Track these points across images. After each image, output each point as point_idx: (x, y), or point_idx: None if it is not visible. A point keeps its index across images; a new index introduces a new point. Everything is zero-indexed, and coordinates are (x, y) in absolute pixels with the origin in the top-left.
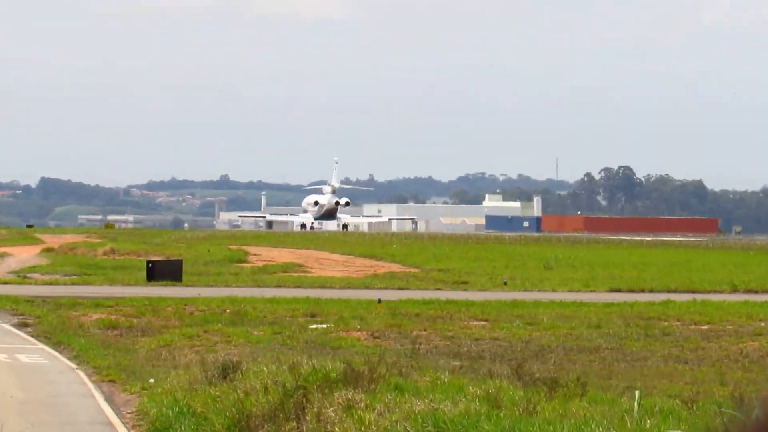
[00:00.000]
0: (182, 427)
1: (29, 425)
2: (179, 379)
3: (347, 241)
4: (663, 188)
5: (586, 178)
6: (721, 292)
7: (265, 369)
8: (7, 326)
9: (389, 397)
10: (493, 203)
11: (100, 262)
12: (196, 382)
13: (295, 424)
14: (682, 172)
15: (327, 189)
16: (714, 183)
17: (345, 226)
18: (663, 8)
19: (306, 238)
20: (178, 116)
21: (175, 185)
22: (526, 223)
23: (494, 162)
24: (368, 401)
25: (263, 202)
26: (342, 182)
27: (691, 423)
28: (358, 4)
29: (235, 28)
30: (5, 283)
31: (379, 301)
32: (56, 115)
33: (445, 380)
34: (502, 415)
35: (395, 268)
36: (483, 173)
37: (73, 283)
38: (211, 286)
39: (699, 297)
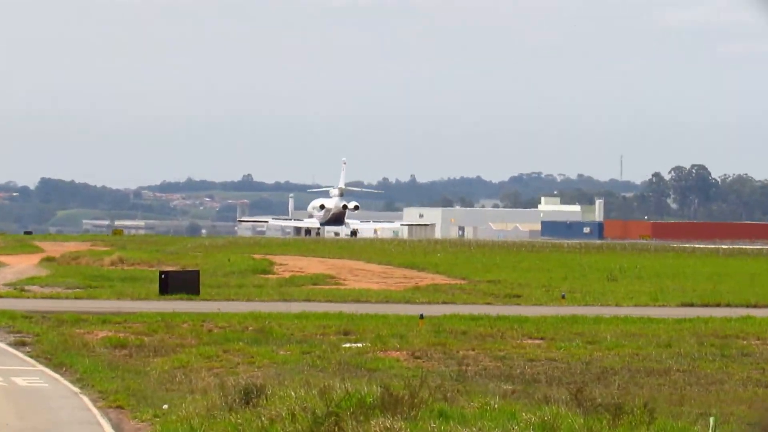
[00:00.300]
0: None
1: None
2: (196, 405)
3: (385, 249)
4: (741, 189)
5: (654, 179)
6: None
7: (293, 393)
8: (3, 345)
9: (432, 425)
10: (549, 207)
11: (107, 273)
12: (215, 409)
13: None
14: (763, 171)
15: (334, 192)
16: None
17: (354, 233)
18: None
19: (339, 245)
20: (194, 109)
21: (192, 186)
22: (586, 229)
23: (551, 160)
24: (409, 430)
25: (291, 205)
26: (347, 184)
27: None
28: None
29: (265, 17)
30: (0, 297)
31: (421, 316)
32: None
33: (496, 406)
34: None
35: (439, 279)
36: (538, 173)
37: (76, 297)
38: (232, 300)
39: None
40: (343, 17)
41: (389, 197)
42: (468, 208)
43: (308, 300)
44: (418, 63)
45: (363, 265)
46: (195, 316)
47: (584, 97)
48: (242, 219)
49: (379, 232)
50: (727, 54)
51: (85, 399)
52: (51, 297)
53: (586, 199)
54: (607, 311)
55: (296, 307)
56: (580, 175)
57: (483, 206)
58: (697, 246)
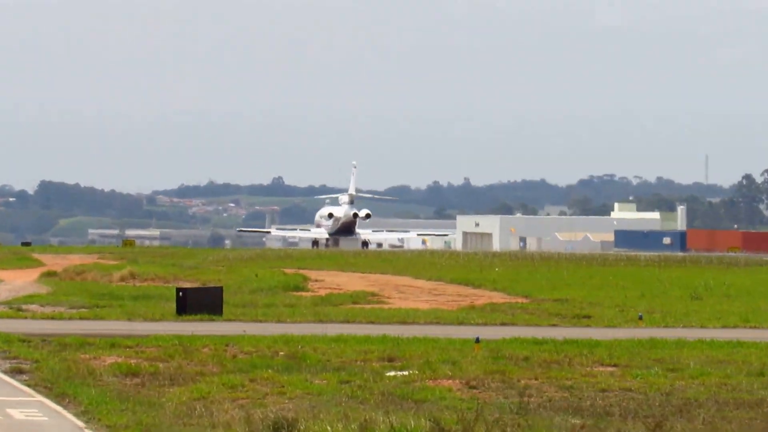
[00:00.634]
0: None
1: None
2: None
3: (435, 263)
4: None
5: (744, 182)
6: None
7: (329, 428)
8: None
9: None
10: (624, 214)
11: (117, 291)
12: None
13: None
14: None
15: (343, 199)
16: None
17: (365, 243)
18: None
19: (382, 258)
20: (216, 104)
21: (214, 191)
22: (667, 240)
23: (626, 161)
24: None
25: None
26: (358, 191)
27: None
28: None
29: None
30: None
31: (477, 340)
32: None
33: None
34: None
35: (497, 297)
36: (611, 175)
37: (81, 318)
38: (260, 321)
39: None
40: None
41: (440, 203)
42: (531, 216)
43: (347, 321)
44: (474, 55)
45: (410, 281)
46: (217, 340)
47: (664, 90)
48: (242, 229)
49: (428, 243)
50: None
51: None
52: (52, 318)
53: (666, 206)
54: (691, 334)
55: (333, 330)
56: (659, 178)
57: (548, 213)
58: None
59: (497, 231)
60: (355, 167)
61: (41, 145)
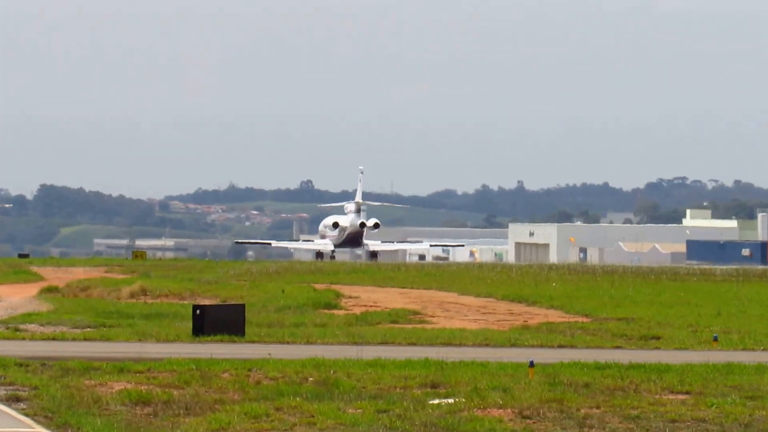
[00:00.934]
0: None
1: None
2: None
3: (484, 277)
4: None
5: None
6: None
7: None
8: None
9: None
10: (697, 222)
11: (126, 308)
12: None
13: None
14: None
15: (350, 207)
16: None
17: (374, 255)
18: None
19: (424, 272)
20: (237, 100)
21: (236, 196)
22: (746, 251)
23: (700, 163)
24: None
25: None
26: (365, 198)
27: None
28: None
29: None
30: None
31: (531, 364)
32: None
33: None
34: None
35: (555, 316)
36: (683, 178)
37: (86, 339)
38: (287, 342)
39: None
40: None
41: (489, 209)
42: (592, 225)
43: (385, 343)
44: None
45: (456, 297)
46: (239, 364)
47: (743, 87)
48: (239, 241)
49: (477, 255)
50: None
51: None
52: (53, 339)
53: (746, 213)
54: None
55: (369, 353)
56: (736, 182)
57: (611, 221)
58: None
59: (554, 241)
60: (362, 172)
61: (41, 145)
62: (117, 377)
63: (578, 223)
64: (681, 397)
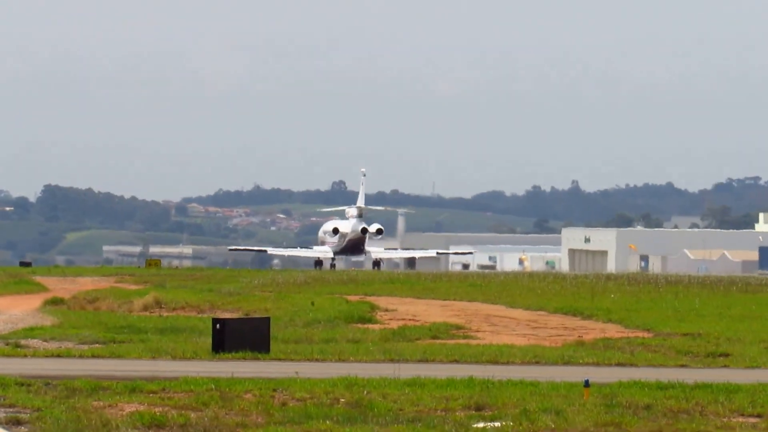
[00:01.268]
0: None
1: None
2: None
3: (535, 288)
4: None
5: None
6: None
7: None
8: None
9: None
10: None
11: (138, 322)
12: None
13: None
14: None
15: (351, 212)
16: None
17: (378, 263)
18: None
19: (469, 283)
20: (261, 90)
21: (260, 198)
22: None
23: None
24: None
25: (400, 224)
26: (366, 203)
27: None
28: None
29: None
30: None
31: (587, 384)
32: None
33: None
34: None
35: (612, 331)
36: (756, 178)
37: (94, 356)
38: (317, 360)
39: None
40: None
41: (540, 213)
42: (654, 230)
43: (425, 360)
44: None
45: (503, 310)
46: (262, 383)
47: None
48: (234, 248)
49: (527, 263)
50: None
51: None
52: (58, 355)
53: None
54: None
55: (408, 371)
56: None
57: (676, 226)
58: None
59: (613, 248)
60: (364, 175)
61: (45, 139)
62: (128, 398)
63: (639, 227)
64: (752, 420)
